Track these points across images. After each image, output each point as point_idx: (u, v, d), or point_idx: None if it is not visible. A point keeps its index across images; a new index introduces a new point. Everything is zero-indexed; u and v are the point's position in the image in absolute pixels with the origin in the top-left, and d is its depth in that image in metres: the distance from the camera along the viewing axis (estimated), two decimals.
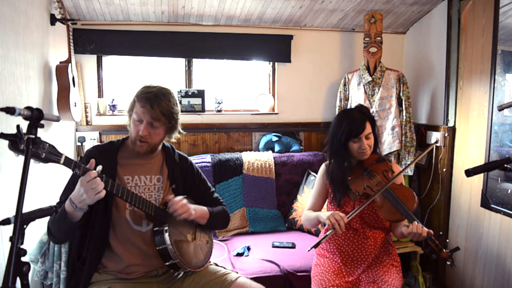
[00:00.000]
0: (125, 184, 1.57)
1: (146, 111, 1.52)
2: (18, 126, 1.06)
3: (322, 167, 1.96)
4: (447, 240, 1.67)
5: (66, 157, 1.23)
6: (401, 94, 2.91)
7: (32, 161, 1.11)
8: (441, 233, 1.65)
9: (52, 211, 1.23)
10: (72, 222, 1.39)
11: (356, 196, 1.80)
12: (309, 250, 1.69)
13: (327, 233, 1.65)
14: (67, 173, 2.40)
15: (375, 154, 1.86)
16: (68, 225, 1.40)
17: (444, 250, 1.57)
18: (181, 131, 1.71)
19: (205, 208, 1.71)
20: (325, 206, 1.98)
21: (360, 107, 1.86)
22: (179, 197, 1.58)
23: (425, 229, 1.60)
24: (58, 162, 1.21)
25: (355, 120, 1.76)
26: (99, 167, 1.35)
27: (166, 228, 1.52)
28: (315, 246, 1.65)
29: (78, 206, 1.34)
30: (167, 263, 1.53)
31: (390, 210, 1.69)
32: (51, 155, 1.17)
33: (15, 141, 1.04)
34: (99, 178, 1.31)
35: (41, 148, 1.13)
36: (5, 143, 1.47)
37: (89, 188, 1.29)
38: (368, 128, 1.78)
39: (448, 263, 1.58)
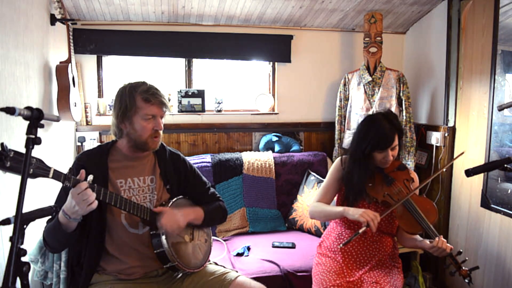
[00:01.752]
0: (118, 188, 1.55)
1: (159, 104, 1.54)
2: (2, 144, 1.04)
3: (337, 161, 1.90)
4: (467, 258, 1.66)
5: (55, 170, 1.21)
6: (401, 94, 2.91)
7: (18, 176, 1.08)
8: (461, 250, 1.64)
9: (52, 211, 1.23)
10: (67, 232, 1.37)
11: (371, 199, 1.77)
12: (340, 247, 1.70)
13: (359, 230, 1.60)
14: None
15: (396, 161, 1.81)
16: (63, 235, 1.38)
17: (463, 268, 1.55)
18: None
19: (199, 208, 1.69)
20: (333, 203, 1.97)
21: (389, 115, 1.76)
22: (166, 209, 1.54)
23: (449, 245, 1.58)
24: (47, 176, 1.19)
25: (385, 132, 1.68)
26: (90, 177, 1.32)
27: (163, 231, 1.51)
28: (346, 243, 1.63)
29: (72, 217, 1.32)
30: (166, 266, 1.52)
31: (411, 222, 1.66)
32: (39, 169, 1.15)
33: (0, 159, 1.03)
34: (90, 189, 1.29)
35: (29, 164, 1.10)
36: (5, 142, 1.47)
37: (80, 200, 1.27)
38: (396, 141, 1.71)
39: (466, 281, 1.55)
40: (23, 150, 1.04)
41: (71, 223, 1.35)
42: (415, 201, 1.70)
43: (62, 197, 1.46)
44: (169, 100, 3.04)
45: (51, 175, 1.20)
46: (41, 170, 1.16)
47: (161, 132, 1.59)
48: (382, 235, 1.81)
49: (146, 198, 1.60)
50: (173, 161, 1.73)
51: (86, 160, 1.54)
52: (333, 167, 1.92)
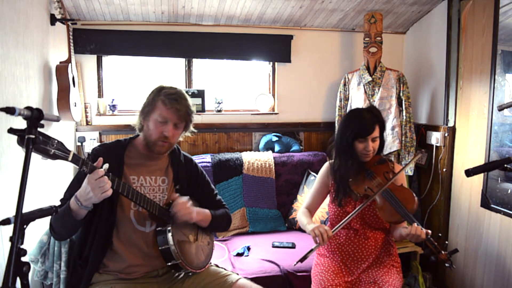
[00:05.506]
0: (130, 184, 1.57)
1: (174, 111, 1.54)
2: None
3: (326, 165, 1.95)
4: (446, 242, 1.65)
5: (74, 154, 1.24)
6: (401, 94, 2.91)
7: (40, 157, 1.13)
8: (440, 234, 1.64)
9: (52, 211, 1.22)
10: (76, 219, 1.39)
11: (357, 196, 1.80)
12: (295, 265, 1.71)
13: (313, 247, 1.64)
14: (68, 173, 2.39)
15: (377, 155, 1.85)
16: (71, 222, 1.40)
17: (442, 252, 1.56)
18: (193, 129, 1.72)
19: (207, 211, 1.71)
20: (326, 202, 1.97)
21: (371, 108, 1.85)
22: (185, 198, 1.58)
23: (424, 230, 1.59)
24: (66, 159, 1.21)
25: (365, 120, 1.75)
26: (106, 165, 1.35)
27: (169, 228, 1.52)
28: (301, 260, 1.63)
29: (84, 204, 1.34)
30: (169, 264, 1.53)
31: (390, 212, 1.69)
32: (59, 151, 1.18)
33: (23, 137, 1.04)
34: (106, 176, 1.31)
35: (50, 145, 1.13)
36: (5, 142, 1.47)
37: (96, 186, 1.29)
38: (377, 132, 1.77)
39: (446, 265, 1.55)
40: (21, 150, 1.04)
41: (82, 211, 1.37)
42: (394, 191, 1.72)
43: (74, 185, 1.49)
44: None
45: (70, 158, 1.22)
46: (62, 152, 1.19)
47: (172, 138, 1.58)
48: (373, 230, 1.82)
49: (156, 198, 1.62)
50: (186, 165, 1.76)
51: (104, 152, 1.57)
52: (322, 170, 1.95)
